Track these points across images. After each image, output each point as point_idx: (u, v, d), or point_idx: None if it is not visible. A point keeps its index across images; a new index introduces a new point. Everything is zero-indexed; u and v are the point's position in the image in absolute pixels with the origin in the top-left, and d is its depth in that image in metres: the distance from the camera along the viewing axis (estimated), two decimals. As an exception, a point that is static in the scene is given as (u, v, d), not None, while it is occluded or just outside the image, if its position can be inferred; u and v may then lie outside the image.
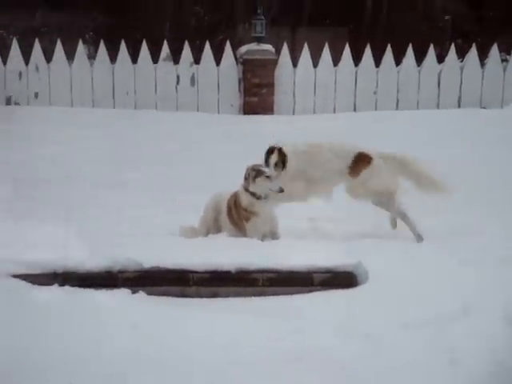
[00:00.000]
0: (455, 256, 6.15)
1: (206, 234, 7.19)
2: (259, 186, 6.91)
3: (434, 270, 5.76)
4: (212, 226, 7.30)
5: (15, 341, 4.43)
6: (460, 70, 17.43)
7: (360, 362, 4.31)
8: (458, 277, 5.61)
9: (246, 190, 6.98)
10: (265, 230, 6.96)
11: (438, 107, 17.32)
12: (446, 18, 24.24)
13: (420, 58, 17.42)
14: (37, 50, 16.68)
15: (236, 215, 7.10)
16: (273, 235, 6.96)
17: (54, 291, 5.32)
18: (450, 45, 17.86)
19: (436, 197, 7.41)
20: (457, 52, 17.56)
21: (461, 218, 7.86)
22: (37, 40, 16.76)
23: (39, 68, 16.70)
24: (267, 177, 6.92)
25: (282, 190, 6.87)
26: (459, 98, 17.42)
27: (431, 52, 17.37)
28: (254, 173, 6.93)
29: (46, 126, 14.38)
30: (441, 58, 17.64)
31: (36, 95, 16.70)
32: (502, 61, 17.65)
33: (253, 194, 6.95)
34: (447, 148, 12.84)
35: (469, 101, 17.33)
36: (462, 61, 17.80)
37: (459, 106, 17.35)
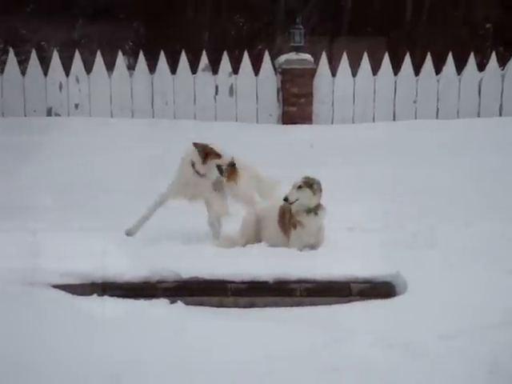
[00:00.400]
0: (494, 265, 6.09)
1: (245, 244, 7.18)
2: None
3: (472, 279, 5.71)
4: (252, 237, 7.30)
5: (56, 350, 4.46)
6: (501, 78, 17.28)
7: (399, 372, 4.28)
8: (497, 286, 5.56)
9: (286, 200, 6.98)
10: (308, 241, 6.93)
11: (478, 116, 17.17)
12: (488, 25, 24.06)
13: (460, 66, 17.30)
14: (77, 61, 16.83)
15: (288, 220, 7.08)
16: (312, 246, 6.94)
17: (94, 301, 5.35)
18: (491, 53, 17.73)
19: None
20: (498, 60, 17.42)
21: (498, 226, 7.77)
22: (77, 51, 16.91)
23: (79, 79, 16.84)
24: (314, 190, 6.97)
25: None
26: (500, 106, 17.27)
27: (472, 60, 17.25)
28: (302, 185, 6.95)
29: (86, 137, 14.51)
30: (482, 66, 17.51)
31: (76, 106, 16.84)
32: (545, 69, 17.48)
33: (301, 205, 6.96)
34: (485, 157, 12.72)
35: (510, 109, 17.16)
36: (503, 69, 17.65)
37: (500, 115, 17.20)
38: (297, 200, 6.85)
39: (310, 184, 6.93)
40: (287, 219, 7.05)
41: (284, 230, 7.10)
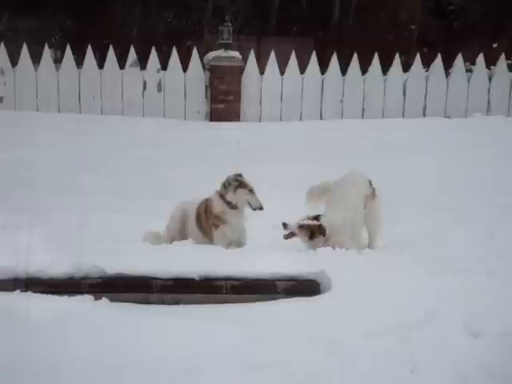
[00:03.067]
0: (417, 265, 6.19)
1: (171, 241, 7.18)
2: (239, 197, 6.91)
3: (396, 279, 5.79)
4: (177, 234, 7.29)
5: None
6: (425, 79, 17.58)
7: (323, 370, 4.32)
8: (419, 286, 5.65)
9: (222, 197, 6.97)
10: (232, 238, 6.97)
11: (403, 116, 17.44)
12: (412, 27, 24.43)
13: (386, 66, 17.54)
14: (2, 53, 16.58)
15: (205, 221, 7.10)
16: (239, 244, 6.97)
17: (16, 297, 5.28)
18: (416, 54, 18.02)
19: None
20: (422, 61, 17.72)
21: (419, 226, 7.90)
22: (2, 43, 16.65)
23: (4, 72, 16.60)
24: (250, 190, 6.93)
25: (261, 208, 6.89)
26: (424, 106, 17.56)
27: (397, 61, 17.52)
28: (237, 184, 6.93)
29: (10, 131, 14.29)
30: (406, 67, 17.78)
31: (1, 99, 16.62)
32: (467, 71, 17.83)
33: (228, 203, 6.95)
34: (410, 156, 12.93)
35: (434, 110, 17.48)
36: (427, 70, 17.96)
37: (424, 115, 17.50)
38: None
39: (242, 183, 6.97)
40: (204, 220, 7.07)
41: (203, 230, 7.12)
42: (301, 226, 6.91)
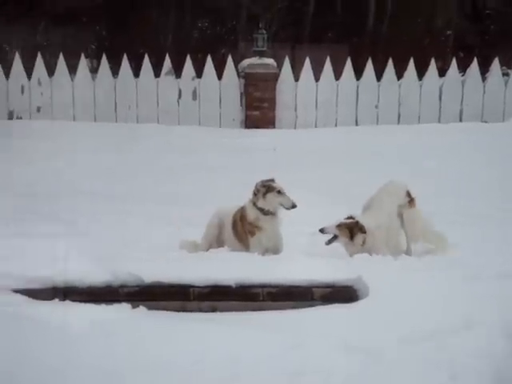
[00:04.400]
0: (455, 270, 6.14)
1: (208, 248, 7.19)
2: (270, 201, 6.92)
3: (433, 285, 5.75)
4: (214, 241, 7.31)
5: (17, 356, 4.42)
6: (461, 83, 17.45)
7: (360, 376, 4.29)
8: (458, 291, 5.60)
9: (254, 204, 6.98)
10: (268, 245, 6.97)
11: (439, 121, 17.32)
12: (448, 32, 24.29)
13: (421, 71, 17.45)
14: (39, 63, 16.72)
15: (241, 229, 7.10)
16: (275, 251, 6.96)
17: (55, 306, 5.32)
18: (452, 59, 17.90)
19: None
20: (458, 66, 17.60)
21: (461, 231, 7.85)
22: (39, 54, 16.80)
23: (41, 82, 16.75)
24: (279, 192, 6.93)
25: (295, 206, 6.89)
26: (461, 111, 17.43)
27: (432, 66, 17.41)
28: (265, 189, 6.94)
29: (47, 141, 14.42)
30: (442, 72, 17.67)
31: (38, 109, 16.74)
32: (503, 75, 17.68)
33: (260, 210, 6.96)
34: (448, 161, 12.86)
35: (470, 114, 17.34)
36: (463, 74, 17.83)
37: (461, 120, 17.36)
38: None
39: (270, 187, 6.98)
40: (240, 227, 7.08)
41: (239, 238, 7.12)
42: (339, 226, 6.95)
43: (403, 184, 7.51)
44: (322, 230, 6.93)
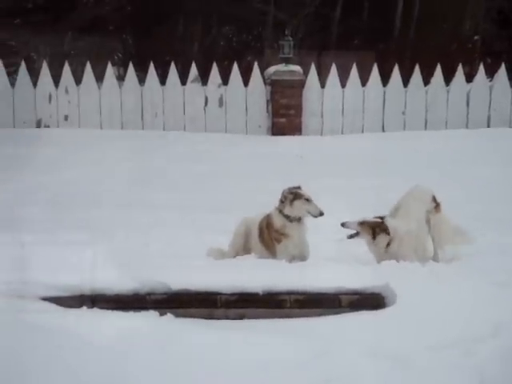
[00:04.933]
0: (483, 277, 6.10)
1: (235, 255, 7.19)
2: (297, 208, 6.91)
3: (460, 291, 5.72)
4: (241, 249, 7.30)
5: (46, 363, 4.44)
6: (489, 89, 17.36)
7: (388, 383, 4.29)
8: (486, 298, 5.56)
9: (281, 212, 6.98)
10: (295, 252, 6.96)
11: (467, 127, 17.23)
12: (476, 38, 24.18)
13: (449, 77, 17.37)
14: (66, 72, 16.83)
15: (267, 237, 7.10)
16: (302, 258, 6.95)
17: (83, 314, 5.34)
18: (479, 64, 17.81)
19: None
20: (486, 71, 17.51)
21: (488, 238, 7.80)
22: (66, 62, 16.90)
23: (69, 90, 16.83)
24: (306, 200, 6.92)
25: (322, 214, 6.88)
26: (488, 117, 17.33)
27: (460, 71, 17.33)
28: (292, 196, 6.94)
29: (75, 149, 14.52)
30: (470, 78, 17.59)
31: (66, 118, 16.83)
32: (531, 80, 17.58)
33: (287, 217, 6.96)
34: (475, 168, 12.78)
35: (498, 120, 17.23)
36: (491, 80, 17.74)
37: (488, 126, 17.26)
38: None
39: (298, 194, 6.98)
40: (267, 235, 7.08)
41: (265, 245, 7.12)
42: (361, 223, 6.93)
43: (429, 189, 7.47)
44: (343, 224, 6.93)
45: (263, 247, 7.15)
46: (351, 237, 6.98)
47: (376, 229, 6.90)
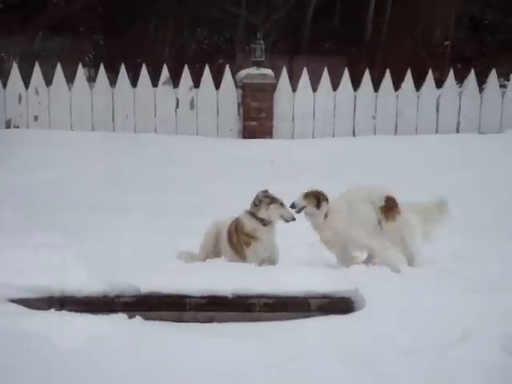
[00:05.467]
0: (454, 282, 6.15)
1: (205, 259, 7.19)
2: (272, 212, 6.95)
3: (430, 296, 5.75)
4: (211, 252, 7.31)
5: (11, 366, 4.41)
6: (459, 95, 17.48)
7: (357, 388, 4.30)
8: (456, 303, 5.60)
9: (252, 215, 6.99)
10: (264, 255, 6.98)
11: (436, 132, 17.34)
12: (446, 43, 24.36)
13: (419, 82, 17.47)
14: (37, 73, 16.73)
15: (236, 241, 7.11)
16: (272, 261, 6.97)
17: (51, 316, 5.30)
18: (449, 70, 17.93)
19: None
20: (455, 77, 17.63)
21: (458, 243, 7.85)
22: (37, 63, 16.80)
23: (39, 91, 16.74)
24: (281, 204, 6.97)
25: (294, 219, 6.94)
26: (458, 122, 17.45)
27: (430, 77, 17.43)
28: (268, 200, 6.97)
29: (45, 150, 14.41)
30: (439, 83, 17.71)
31: (36, 118, 16.73)
32: (501, 86, 17.70)
33: (261, 220, 6.97)
34: (445, 173, 12.86)
35: (467, 126, 17.36)
36: (460, 86, 17.86)
37: (458, 131, 17.38)
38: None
39: (273, 199, 7.02)
40: (236, 239, 7.09)
41: (234, 249, 7.13)
42: (306, 195, 7.23)
43: (381, 190, 7.55)
44: (292, 205, 7.10)
45: (232, 251, 7.16)
46: (299, 211, 7.15)
47: (320, 197, 7.22)
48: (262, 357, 4.63)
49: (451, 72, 17.69)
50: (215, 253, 7.29)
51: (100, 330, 5.04)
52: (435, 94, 17.48)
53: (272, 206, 6.96)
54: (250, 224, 7.00)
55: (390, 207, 7.32)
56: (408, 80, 17.38)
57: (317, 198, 7.21)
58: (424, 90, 17.45)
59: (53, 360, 4.48)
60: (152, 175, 12.89)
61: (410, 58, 20.49)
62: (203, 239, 7.38)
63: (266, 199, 6.98)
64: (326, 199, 7.24)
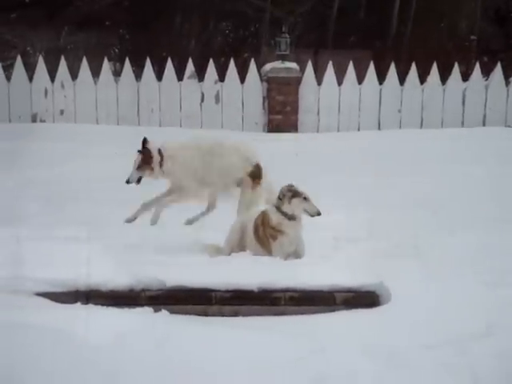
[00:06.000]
0: (478, 276, 6.12)
1: (230, 252, 7.19)
2: (295, 206, 6.92)
3: (455, 290, 5.73)
4: (236, 246, 7.31)
5: (39, 359, 4.43)
6: (485, 88, 17.37)
7: (383, 381, 4.28)
8: (480, 297, 5.58)
9: (278, 209, 6.98)
10: (290, 250, 6.96)
11: (462, 125, 17.25)
12: (472, 37, 24.20)
13: (445, 76, 17.39)
14: (62, 67, 16.82)
15: (263, 234, 7.10)
16: (297, 255, 6.95)
17: (77, 310, 5.33)
18: (475, 63, 17.83)
19: None
20: (482, 70, 17.53)
21: (483, 237, 7.80)
22: (62, 57, 16.88)
23: (65, 85, 16.84)
24: (304, 198, 6.94)
25: (319, 213, 6.91)
26: (484, 116, 17.35)
27: (456, 70, 17.35)
28: (291, 194, 6.94)
29: (71, 144, 14.47)
30: (466, 76, 17.61)
31: (61, 112, 16.83)
32: (527, 79, 17.61)
33: (284, 214, 6.96)
34: (471, 166, 12.78)
35: (493, 119, 17.25)
36: (486, 79, 17.76)
37: (484, 125, 17.28)
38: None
39: (296, 192, 6.98)
40: (262, 232, 7.08)
41: (260, 242, 7.12)
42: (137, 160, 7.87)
43: (251, 149, 7.73)
44: (128, 181, 7.92)
45: (258, 244, 7.15)
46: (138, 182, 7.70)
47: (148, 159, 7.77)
48: (287, 351, 4.63)
49: (477, 65, 17.61)
50: (240, 247, 7.29)
51: (126, 323, 5.07)
52: (461, 87, 17.40)
53: (295, 200, 6.93)
54: (275, 218, 6.99)
55: (256, 175, 7.48)
56: (434, 73, 17.32)
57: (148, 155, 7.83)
58: (450, 83, 17.38)
59: (79, 353, 4.50)
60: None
61: (436, 51, 20.40)
62: (229, 233, 7.38)
63: (288, 193, 6.96)
64: (160, 152, 7.82)
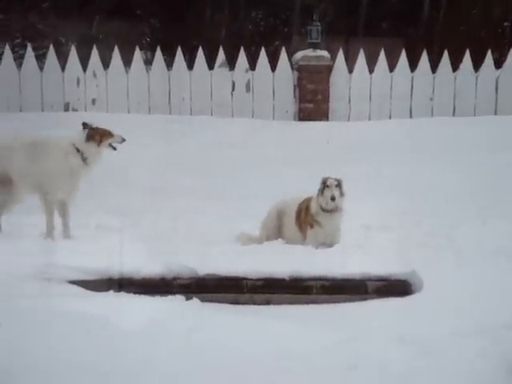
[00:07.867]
0: (508, 264, 6.08)
1: (265, 239, 7.21)
2: (324, 198, 6.95)
3: (487, 278, 5.70)
4: (272, 232, 7.33)
5: (73, 346, 4.46)
6: (519, 75, 17.19)
7: (415, 370, 4.27)
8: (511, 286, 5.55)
9: (317, 198, 7.03)
10: (324, 240, 6.97)
11: (495, 113, 17.08)
12: (506, 23, 23.96)
13: (478, 63, 17.22)
14: (94, 56, 16.86)
15: (303, 219, 7.12)
16: (330, 245, 6.95)
17: (110, 297, 5.37)
18: (509, 50, 17.64)
19: None
20: (516, 57, 17.34)
21: (502, 225, 7.74)
22: (94, 46, 16.93)
23: (97, 74, 16.87)
24: (337, 186, 6.95)
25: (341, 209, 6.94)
26: (518, 103, 17.17)
27: (489, 57, 17.17)
28: (322, 185, 6.96)
29: (103, 132, 14.51)
30: (499, 64, 17.43)
31: (93, 101, 16.87)
32: (562, 66, 17.37)
33: (319, 205, 6.98)
34: (504, 154, 12.67)
35: (527, 107, 17.07)
36: (521, 66, 17.57)
37: (517, 112, 17.11)
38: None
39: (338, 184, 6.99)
40: (303, 218, 7.09)
41: (299, 226, 7.14)
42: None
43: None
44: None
45: (296, 228, 7.17)
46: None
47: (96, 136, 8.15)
48: (319, 339, 4.63)
49: (511, 52, 17.40)
50: (276, 234, 7.30)
51: (158, 311, 5.09)
52: (494, 74, 17.21)
53: (326, 191, 6.95)
54: (314, 207, 7.03)
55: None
56: (466, 61, 17.15)
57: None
58: (483, 70, 17.20)
59: (112, 341, 4.53)
60: (208, 158, 12.92)
61: (469, 37, 20.19)
62: (265, 217, 7.41)
63: (321, 185, 6.99)
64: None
